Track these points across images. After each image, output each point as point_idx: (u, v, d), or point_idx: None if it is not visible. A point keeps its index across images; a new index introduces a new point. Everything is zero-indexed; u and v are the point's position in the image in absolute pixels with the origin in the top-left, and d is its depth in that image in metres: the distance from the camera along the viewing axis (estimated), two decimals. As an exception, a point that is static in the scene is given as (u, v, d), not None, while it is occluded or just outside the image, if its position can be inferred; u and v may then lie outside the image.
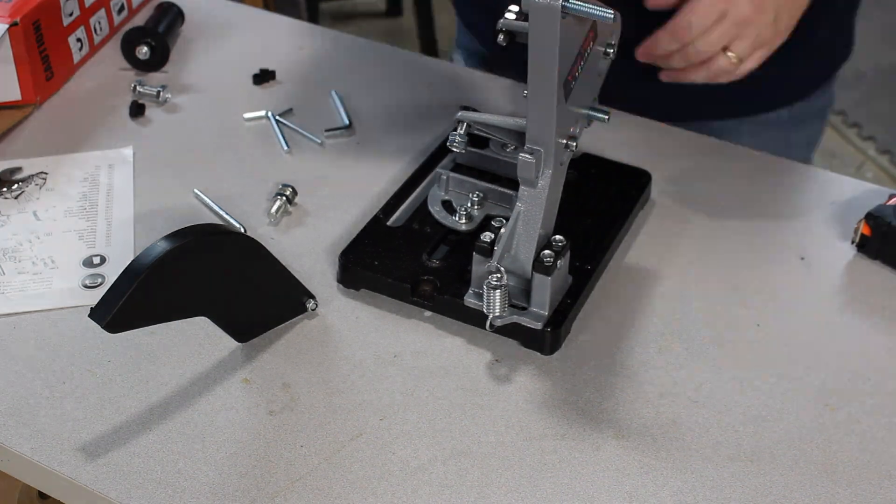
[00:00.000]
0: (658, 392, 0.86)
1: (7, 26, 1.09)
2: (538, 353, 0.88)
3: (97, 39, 1.25)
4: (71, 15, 1.19)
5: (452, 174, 0.99)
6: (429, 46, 2.85)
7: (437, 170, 1.01)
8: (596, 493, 0.78)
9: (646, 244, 0.99)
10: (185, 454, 0.80)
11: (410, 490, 0.78)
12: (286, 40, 1.29)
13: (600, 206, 0.99)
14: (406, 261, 0.92)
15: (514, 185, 0.91)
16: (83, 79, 1.21)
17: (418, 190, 1.01)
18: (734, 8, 0.95)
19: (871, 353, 0.89)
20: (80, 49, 1.22)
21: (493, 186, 0.98)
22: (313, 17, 3.03)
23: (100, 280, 0.94)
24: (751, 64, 1.00)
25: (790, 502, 0.78)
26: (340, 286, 0.93)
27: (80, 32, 1.21)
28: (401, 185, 1.01)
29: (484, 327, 0.86)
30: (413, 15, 2.88)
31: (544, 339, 0.87)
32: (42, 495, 1.29)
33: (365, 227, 0.96)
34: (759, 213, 1.04)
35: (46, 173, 1.06)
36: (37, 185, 1.05)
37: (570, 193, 0.91)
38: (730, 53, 0.96)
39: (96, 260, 0.96)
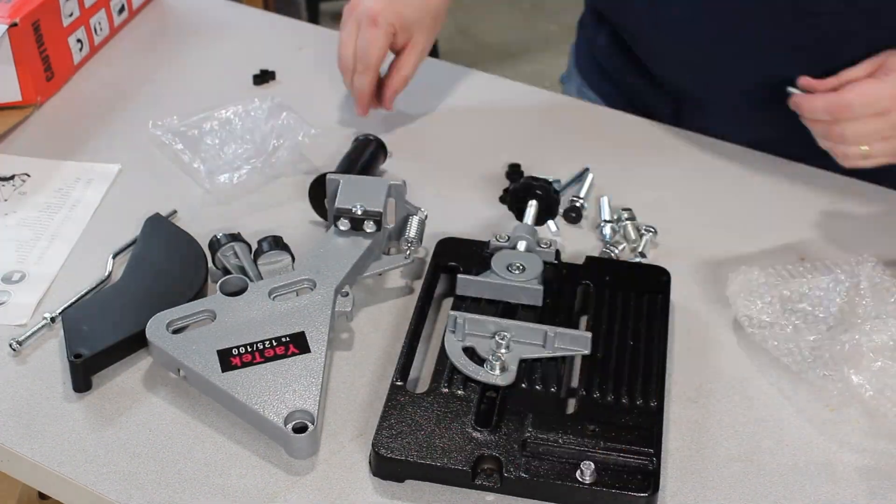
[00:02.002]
0: (658, 392, 0.85)
1: (7, 26, 1.09)
2: None
3: (97, 40, 1.25)
4: (71, 15, 1.19)
5: (469, 316, 0.85)
6: (429, 46, 2.84)
7: (451, 313, 0.85)
8: (596, 494, 0.78)
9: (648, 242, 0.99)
10: (184, 454, 0.80)
11: (410, 489, 0.77)
12: (286, 40, 1.29)
13: (633, 323, 0.87)
14: (452, 436, 0.77)
15: (533, 313, 0.87)
16: (84, 79, 1.21)
17: (425, 336, 0.89)
18: None
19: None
20: (81, 49, 1.22)
21: (518, 322, 0.85)
22: (313, 17, 3.03)
23: (5, 298, 0.92)
24: (876, 162, 0.96)
25: (790, 502, 0.78)
26: (376, 480, 0.78)
27: (81, 33, 1.21)
28: (405, 337, 0.86)
29: (567, 501, 0.75)
30: (413, 15, 2.87)
31: None
32: (42, 495, 1.29)
33: (387, 401, 0.80)
34: (759, 213, 1.04)
35: (29, 175, 1.06)
36: (13, 186, 1.04)
37: (591, 313, 0.88)
38: (864, 147, 0.93)
39: (15, 276, 0.94)
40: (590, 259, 0.94)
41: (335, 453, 0.80)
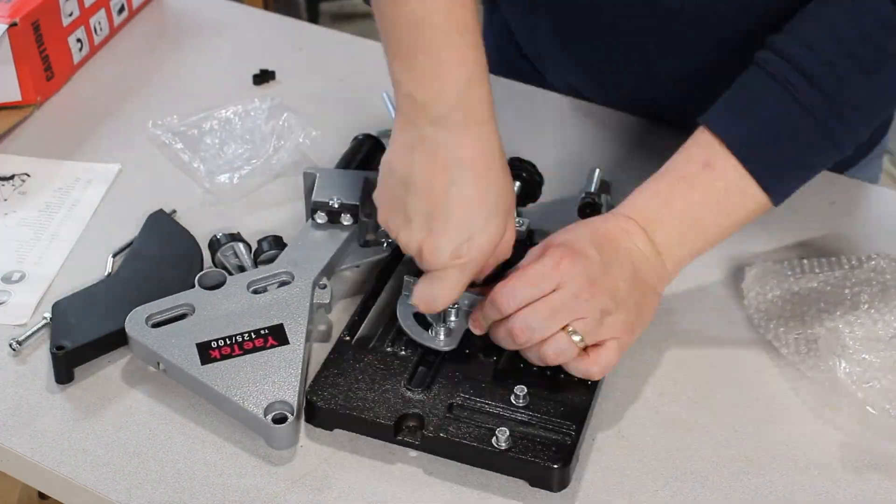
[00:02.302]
0: (658, 392, 0.85)
1: (7, 26, 1.09)
2: None
3: (97, 39, 1.25)
4: (71, 15, 1.19)
5: None
6: (429, 46, 2.84)
7: (406, 277, 0.86)
8: (596, 493, 0.78)
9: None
10: (184, 454, 0.80)
11: (410, 489, 0.78)
12: (286, 40, 1.29)
13: None
14: (384, 392, 0.80)
15: (491, 284, 0.83)
16: (83, 79, 1.21)
17: (384, 298, 0.89)
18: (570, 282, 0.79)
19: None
20: (80, 49, 1.22)
21: (470, 292, 0.84)
22: (313, 17, 3.03)
23: (5, 297, 0.92)
24: (610, 355, 0.80)
25: (790, 502, 0.78)
26: (309, 427, 0.81)
27: (80, 32, 1.21)
28: (363, 297, 0.89)
29: (486, 466, 0.77)
30: (413, 15, 2.87)
31: (553, 477, 0.76)
32: (42, 495, 1.29)
33: (330, 353, 0.83)
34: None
35: (29, 175, 1.06)
36: (13, 186, 1.04)
37: None
38: (576, 338, 0.79)
39: (15, 276, 0.94)
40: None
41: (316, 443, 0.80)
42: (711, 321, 0.92)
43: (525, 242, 0.93)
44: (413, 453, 0.79)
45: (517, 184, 0.96)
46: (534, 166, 0.97)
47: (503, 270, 0.85)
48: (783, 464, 0.80)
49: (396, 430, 0.79)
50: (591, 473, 0.79)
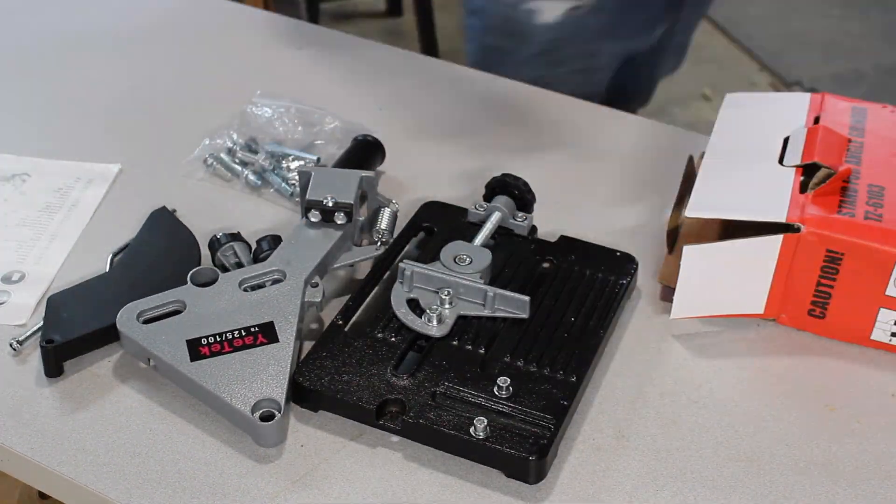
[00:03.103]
0: (658, 392, 0.86)
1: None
2: None
3: (97, 39, 1.25)
4: (71, 15, 1.19)
5: (417, 268, 0.88)
6: (429, 46, 2.85)
7: (401, 264, 0.88)
8: (596, 493, 0.78)
9: (640, 240, 0.99)
10: (185, 454, 0.80)
11: (410, 489, 0.78)
12: (286, 40, 1.29)
13: (581, 300, 0.89)
14: (369, 377, 0.82)
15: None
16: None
17: (380, 287, 0.91)
18: None
19: (871, 352, 0.89)
20: (80, 49, 1.22)
21: (465, 280, 0.87)
22: (313, 17, 3.03)
23: (5, 297, 0.92)
24: None
25: (790, 502, 0.78)
26: (295, 407, 0.82)
27: (80, 32, 1.21)
28: (360, 284, 0.91)
29: (464, 454, 0.78)
30: (413, 15, 2.88)
31: (529, 469, 0.77)
32: (42, 495, 1.29)
33: (321, 336, 0.85)
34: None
35: (29, 175, 1.06)
36: (13, 186, 1.04)
37: (546, 286, 0.89)
38: None
39: (15, 276, 0.94)
40: (563, 238, 0.95)
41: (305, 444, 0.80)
42: (711, 321, 0.92)
43: (527, 239, 0.94)
44: (395, 439, 0.80)
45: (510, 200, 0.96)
46: (526, 184, 0.97)
47: None
48: (783, 464, 0.80)
49: (379, 415, 0.80)
50: (591, 473, 0.79)
